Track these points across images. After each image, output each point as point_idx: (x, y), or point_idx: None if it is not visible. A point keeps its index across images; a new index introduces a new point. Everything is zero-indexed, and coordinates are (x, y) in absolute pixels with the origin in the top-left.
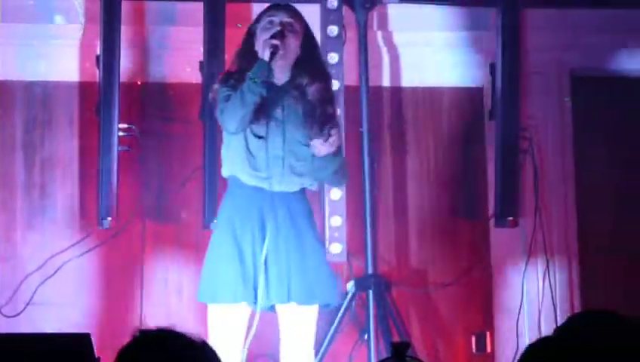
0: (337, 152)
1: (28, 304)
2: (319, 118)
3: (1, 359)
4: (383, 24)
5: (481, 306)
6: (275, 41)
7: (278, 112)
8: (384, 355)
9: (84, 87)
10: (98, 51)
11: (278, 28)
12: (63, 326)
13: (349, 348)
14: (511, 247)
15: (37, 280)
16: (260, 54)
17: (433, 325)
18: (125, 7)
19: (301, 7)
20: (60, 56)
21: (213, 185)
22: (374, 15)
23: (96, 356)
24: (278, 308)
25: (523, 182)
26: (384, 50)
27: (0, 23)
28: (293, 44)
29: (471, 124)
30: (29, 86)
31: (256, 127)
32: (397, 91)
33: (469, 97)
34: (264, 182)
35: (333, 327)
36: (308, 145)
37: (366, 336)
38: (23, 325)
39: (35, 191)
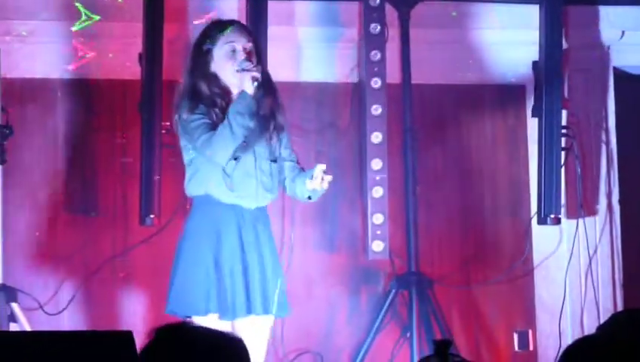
0: None
1: (70, 301)
2: (274, 130)
3: (43, 356)
4: (425, 22)
5: (523, 304)
6: (257, 74)
7: (252, 126)
8: (426, 353)
9: (127, 85)
10: (141, 49)
11: (244, 56)
12: (104, 323)
13: (391, 345)
14: (553, 245)
15: (79, 277)
16: (240, 82)
17: (475, 323)
18: (167, 5)
19: (343, 5)
20: (103, 54)
21: None
22: (416, 12)
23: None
24: (247, 320)
25: (565, 180)
26: (426, 47)
27: (45, 22)
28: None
29: (513, 121)
30: (72, 84)
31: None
32: (439, 89)
33: (511, 95)
34: (240, 200)
35: (376, 325)
36: (272, 160)
37: (408, 334)
38: (65, 323)
39: (78, 188)
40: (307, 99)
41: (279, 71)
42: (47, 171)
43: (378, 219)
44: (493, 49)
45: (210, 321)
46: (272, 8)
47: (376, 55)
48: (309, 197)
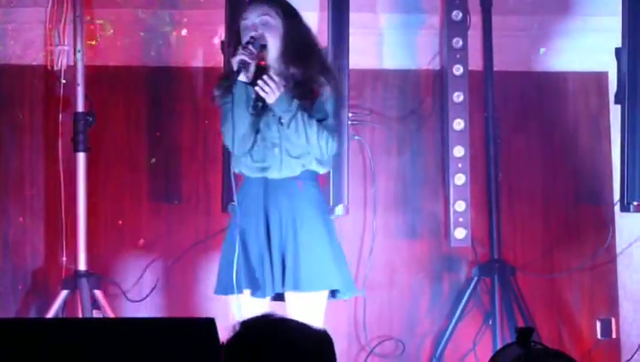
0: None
1: (153, 288)
2: (305, 94)
3: (126, 343)
4: (508, 8)
5: (605, 292)
6: (242, 57)
7: (252, 112)
8: (508, 340)
9: (208, 73)
10: (221, 36)
11: (250, 34)
12: (187, 310)
13: (473, 332)
14: (637, 232)
15: (162, 264)
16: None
17: (558, 310)
18: None
19: None
20: (184, 42)
21: (339, 169)
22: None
23: (221, 341)
24: (287, 296)
25: None
26: (508, 34)
27: (126, 10)
28: (272, 39)
29: (596, 108)
30: (155, 71)
31: (253, 121)
32: (521, 76)
33: (594, 82)
34: (265, 171)
35: (458, 312)
36: None
37: (490, 321)
38: (148, 309)
39: (161, 175)
40: (389, 86)
41: (361, 58)
42: (130, 159)
43: (460, 206)
44: (576, 35)
45: (245, 300)
46: None
47: (458, 42)
48: (281, 122)
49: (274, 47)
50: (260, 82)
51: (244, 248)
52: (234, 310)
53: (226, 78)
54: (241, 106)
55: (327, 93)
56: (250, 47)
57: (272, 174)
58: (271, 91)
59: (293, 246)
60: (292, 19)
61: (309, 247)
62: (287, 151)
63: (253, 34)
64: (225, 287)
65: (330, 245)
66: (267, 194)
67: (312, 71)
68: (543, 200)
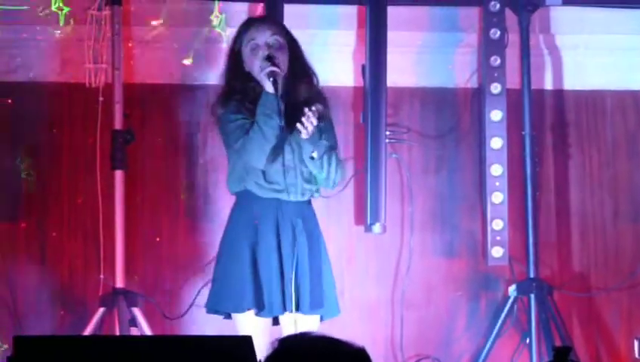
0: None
1: (191, 306)
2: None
3: (164, 361)
4: (546, 27)
5: None
6: (273, 68)
7: (282, 124)
8: (546, 359)
9: None
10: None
11: (266, 52)
12: (225, 328)
13: (510, 351)
14: None
15: (200, 282)
16: (262, 84)
17: (595, 329)
18: None
19: (463, 10)
20: (219, 59)
21: (376, 187)
22: (537, 18)
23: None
24: (282, 320)
25: None
26: (546, 52)
27: (168, 28)
28: (283, 59)
29: (633, 126)
30: (192, 89)
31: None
32: (559, 94)
33: (631, 100)
34: (280, 193)
35: (495, 331)
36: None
37: (528, 340)
38: (185, 327)
39: (198, 194)
40: (427, 104)
41: (399, 76)
42: (169, 176)
43: (498, 224)
44: (613, 54)
45: (249, 318)
46: (392, 14)
47: (495, 60)
48: (311, 157)
49: (284, 65)
50: (303, 118)
51: (255, 267)
52: (239, 329)
53: (233, 94)
54: (274, 118)
55: (327, 116)
56: (275, 61)
57: (287, 197)
58: (311, 128)
59: (310, 269)
60: (293, 40)
61: (325, 271)
62: (302, 175)
63: (268, 52)
64: (229, 304)
65: (330, 268)
66: (280, 216)
67: (312, 91)
68: (580, 218)
